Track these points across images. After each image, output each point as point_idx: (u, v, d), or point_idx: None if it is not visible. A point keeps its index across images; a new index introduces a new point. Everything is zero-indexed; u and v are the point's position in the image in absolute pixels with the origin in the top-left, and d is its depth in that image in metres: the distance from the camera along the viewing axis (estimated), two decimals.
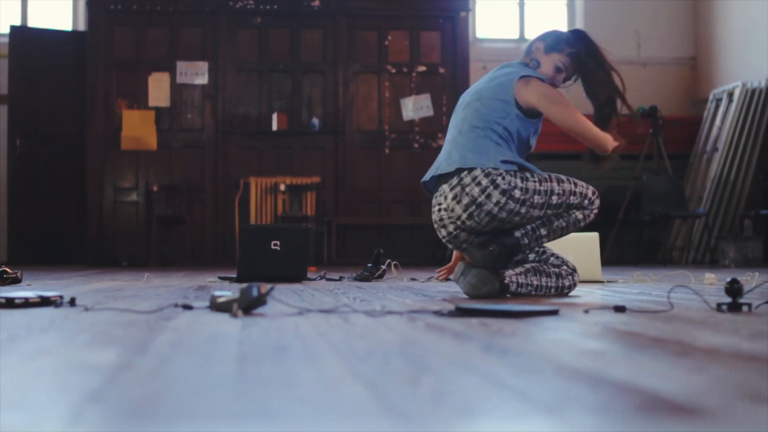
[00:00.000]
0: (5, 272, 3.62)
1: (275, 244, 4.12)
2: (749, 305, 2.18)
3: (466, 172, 2.87)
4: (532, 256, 3.01)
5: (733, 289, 2.16)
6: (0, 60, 8.97)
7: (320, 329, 1.75)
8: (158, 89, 8.63)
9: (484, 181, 2.83)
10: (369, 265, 4.38)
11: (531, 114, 2.96)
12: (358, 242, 8.62)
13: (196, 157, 8.68)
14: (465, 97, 3.09)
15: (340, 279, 4.40)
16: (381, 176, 8.80)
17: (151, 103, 8.63)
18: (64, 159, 8.86)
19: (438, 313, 2.09)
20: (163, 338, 1.59)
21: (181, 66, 8.65)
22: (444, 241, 3.08)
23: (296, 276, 4.16)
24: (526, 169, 2.91)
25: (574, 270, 3.01)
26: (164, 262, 8.33)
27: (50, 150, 8.83)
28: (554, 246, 3.20)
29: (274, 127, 8.58)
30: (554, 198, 2.88)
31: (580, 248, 4.02)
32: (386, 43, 8.86)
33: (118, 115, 8.61)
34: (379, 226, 8.70)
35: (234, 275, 4.28)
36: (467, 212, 2.87)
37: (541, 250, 3.03)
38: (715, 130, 9.04)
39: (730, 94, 8.99)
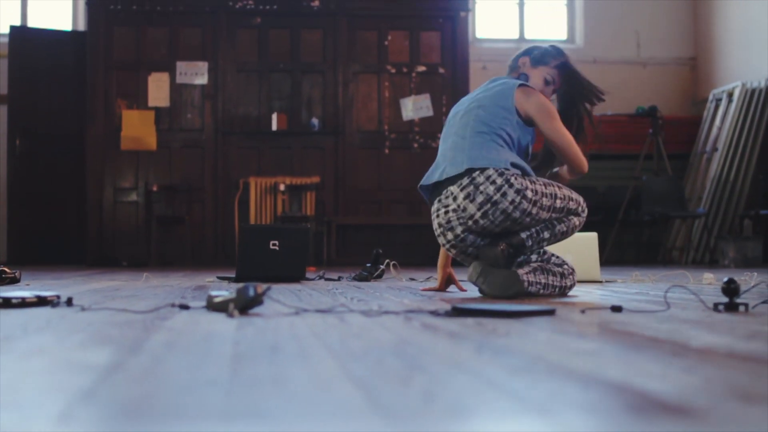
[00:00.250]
0: (3, 272, 3.62)
1: (274, 244, 4.12)
2: (746, 305, 2.18)
3: (478, 172, 2.87)
4: (534, 257, 3.01)
5: (730, 289, 2.16)
6: (0, 60, 8.97)
7: (316, 329, 1.75)
8: (158, 89, 8.64)
9: (499, 180, 2.83)
10: (368, 265, 4.39)
11: (529, 123, 3.01)
12: (358, 242, 8.62)
13: (196, 157, 8.68)
14: (459, 107, 3.11)
15: (339, 279, 4.41)
16: (381, 176, 8.80)
17: (151, 103, 8.63)
18: (64, 159, 8.86)
19: (434, 313, 2.09)
20: (157, 338, 1.59)
21: (181, 66, 8.65)
22: (447, 246, 3.00)
23: (295, 276, 4.16)
24: (529, 175, 2.95)
25: (573, 271, 3.02)
26: (164, 262, 8.33)
27: (50, 150, 8.83)
28: (554, 245, 3.22)
29: (274, 127, 8.58)
30: (558, 202, 2.91)
31: (579, 248, 4.02)
32: (386, 43, 8.86)
33: (117, 115, 8.61)
34: (379, 226, 8.70)
35: (233, 275, 4.28)
36: (481, 210, 2.85)
37: (542, 251, 3.04)
38: (714, 130, 9.04)
39: (730, 94, 8.99)
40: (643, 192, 8.41)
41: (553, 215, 2.91)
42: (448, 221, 2.95)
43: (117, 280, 4.29)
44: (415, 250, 8.47)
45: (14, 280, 3.67)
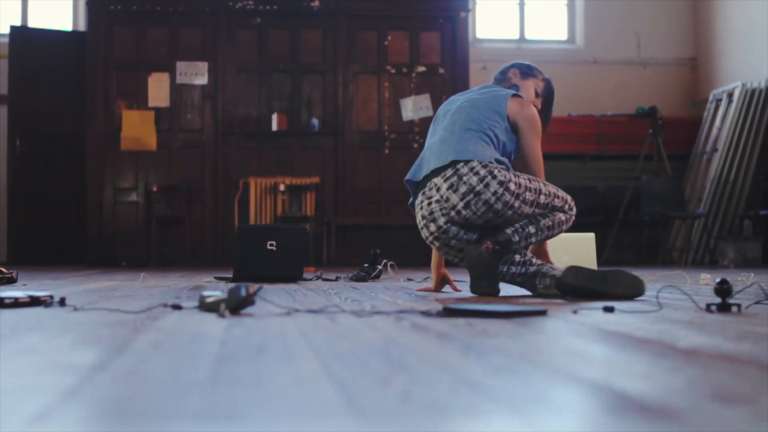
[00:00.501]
0: (0, 272, 3.62)
1: (271, 245, 4.13)
2: (739, 306, 2.18)
3: (462, 164, 2.91)
4: (516, 257, 2.99)
5: (722, 290, 2.16)
6: (0, 60, 8.98)
7: (304, 329, 1.75)
8: (158, 89, 8.64)
9: (482, 171, 2.88)
10: (365, 265, 4.39)
11: (516, 131, 3.08)
12: (358, 243, 8.62)
13: (196, 157, 8.68)
14: (450, 105, 3.15)
15: (336, 279, 4.41)
16: (380, 177, 8.80)
17: (151, 103, 8.64)
18: (64, 159, 8.86)
19: (426, 314, 2.09)
20: (145, 338, 1.59)
21: (181, 66, 8.66)
22: (430, 239, 3.02)
23: (292, 276, 4.16)
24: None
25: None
26: (164, 263, 8.33)
27: (50, 150, 8.84)
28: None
29: (274, 127, 8.58)
30: (542, 197, 2.94)
31: (576, 249, 4.01)
32: (386, 43, 8.86)
33: (117, 115, 8.62)
34: (379, 227, 8.70)
35: (230, 275, 4.28)
36: (464, 201, 2.88)
37: (523, 252, 3.03)
38: (714, 130, 9.03)
39: (730, 95, 8.98)
40: (642, 192, 8.40)
41: (537, 210, 2.93)
42: (431, 212, 2.97)
43: (114, 281, 4.30)
44: (414, 251, 8.45)
45: (11, 280, 3.67)
